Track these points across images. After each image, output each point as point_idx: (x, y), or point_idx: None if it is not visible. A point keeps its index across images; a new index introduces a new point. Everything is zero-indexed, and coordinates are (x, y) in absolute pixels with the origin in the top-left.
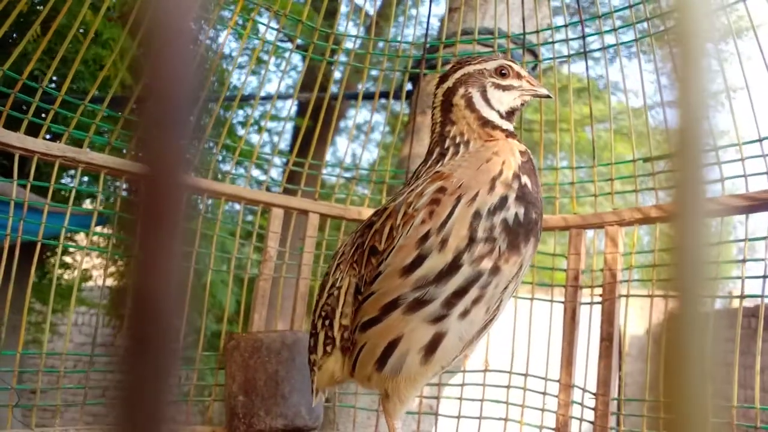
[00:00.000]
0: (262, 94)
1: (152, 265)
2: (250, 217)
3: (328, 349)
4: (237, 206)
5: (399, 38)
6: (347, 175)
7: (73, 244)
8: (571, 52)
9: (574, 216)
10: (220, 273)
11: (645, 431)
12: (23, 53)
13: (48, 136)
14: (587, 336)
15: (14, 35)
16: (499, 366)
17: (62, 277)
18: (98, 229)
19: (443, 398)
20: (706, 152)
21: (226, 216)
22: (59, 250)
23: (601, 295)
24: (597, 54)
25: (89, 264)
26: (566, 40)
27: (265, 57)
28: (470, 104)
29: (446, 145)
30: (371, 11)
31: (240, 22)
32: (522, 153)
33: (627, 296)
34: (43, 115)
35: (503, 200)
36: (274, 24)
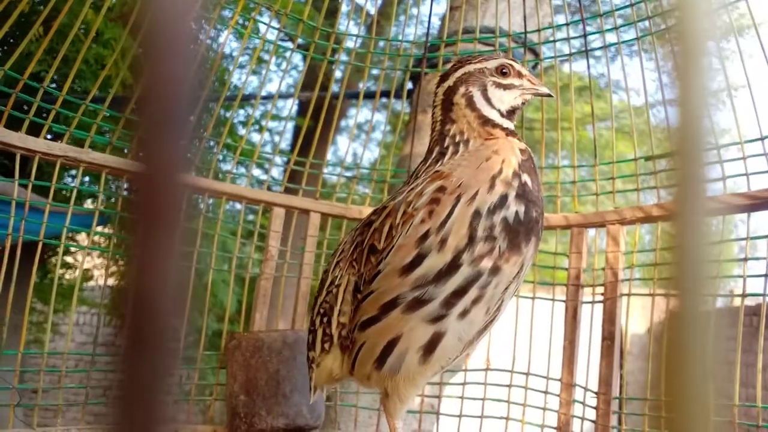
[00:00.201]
0: (263, 93)
1: (151, 264)
2: (251, 217)
3: (326, 346)
4: (238, 206)
5: (400, 37)
6: (348, 174)
7: (75, 243)
8: (573, 50)
9: (575, 215)
10: (222, 272)
11: (646, 430)
12: (25, 53)
13: (49, 136)
14: (589, 335)
15: (16, 33)
16: (501, 365)
17: (63, 277)
18: (99, 228)
19: (445, 397)
20: (707, 151)
21: (227, 215)
22: (60, 250)
23: (602, 294)
24: (598, 52)
25: (90, 264)
26: (567, 39)
27: (266, 56)
28: (471, 103)
29: (446, 144)
30: (372, 10)
31: (241, 21)
32: (522, 151)
33: (628, 295)
34: (45, 115)
35: (503, 199)
36: (275, 23)
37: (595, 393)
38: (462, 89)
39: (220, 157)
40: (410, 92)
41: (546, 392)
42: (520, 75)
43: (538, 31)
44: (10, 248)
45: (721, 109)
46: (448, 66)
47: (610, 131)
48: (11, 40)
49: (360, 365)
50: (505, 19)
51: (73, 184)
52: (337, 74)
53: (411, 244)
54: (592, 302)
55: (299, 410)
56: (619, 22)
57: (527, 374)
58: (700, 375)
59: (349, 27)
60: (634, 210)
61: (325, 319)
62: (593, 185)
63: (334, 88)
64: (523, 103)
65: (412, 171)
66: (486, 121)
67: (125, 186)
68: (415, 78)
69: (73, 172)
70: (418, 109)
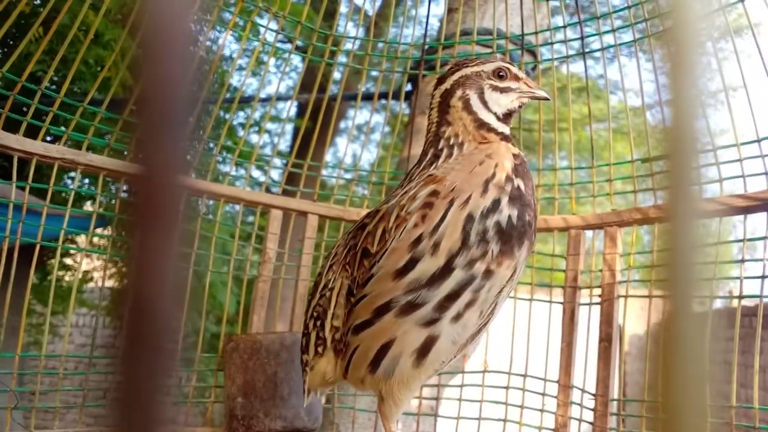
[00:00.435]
0: (262, 95)
1: (149, 266)
2: (250, 218)
3: (320, 349)
4: (237, 207)
5: (398, 39)
6: (347, 176)
7: (73, 246)
8: (571, 52)
9: (573, 216)
10: (220, 274)
11: (645, 431)
12: (24, 54)
13: (48, 138)
14: (586, 337)
15: (15, 35)
16: (498, 367)
17: (63, 279)
18: (98, 231)
19: (443, 399)
20: (699, 153)
21: (225, 217)
22: (58, 252)
23: (600, 296)
24: (596, 54)
25: (90, 266)
26: (565, 41)
27: (265, 58)
28: (467, 106)
29: (440, 146)
30: (370, 12)
31: (240, 23)
32: (516, 156)
33: (626, 297)
34: (43, 117)
35: (496, 203)
36: (273, 25)
37: (593, 395)
38: (459, 92)
39: (219, 159)
40: (409, 94)
41: (543, 394)
42: (517, 78)
43: (536, 33)
44: (7, 250)
45: (718, 110)
46: (446, 69)
47: (608, 132)
48: (11, 42)
49: (354, 369)
50: (503, 21)
51: (71, 187)
52: (336, 76)
53: (404, 248)
54: (590, 304)
55: (297, 412)
56: (617, 23)
57: (525, 376)
58: (695, 376)
59: (347, 28)
60: (631, 212)
61: (318, 323)
62: (591, 187)
63: (332, 89)
64: (520, 106)
65: (407, 172)
66: (482, 125)
67: (124, 188)
68: (414, 80)
69: (73, 174)
70: (416, 111)
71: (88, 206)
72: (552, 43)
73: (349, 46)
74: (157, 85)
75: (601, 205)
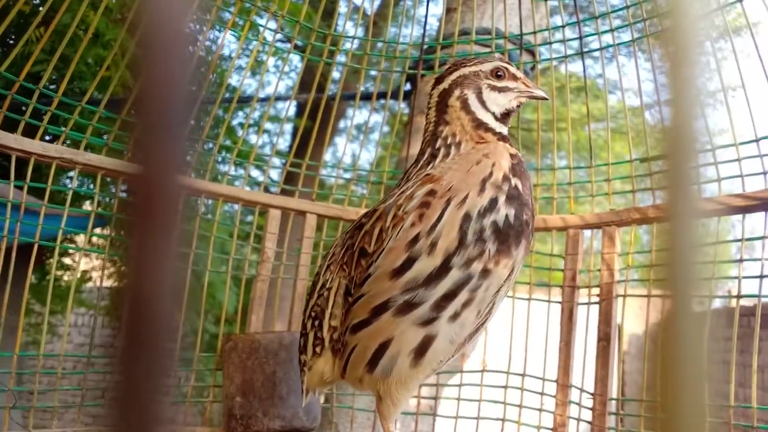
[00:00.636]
0: (261, 95)
1: (148, 265)
2: (249, 218)
3: (318, 349)
4: (235, 207)
5: (397, 39)
6: (346, 175)
7: (72, 245)
8: (569, 52)
9: (572, 216)
10: (219, 274)
11: (643, 431)
12: (24, 53)
13: (46, 138)
14: (585, 336)
15: (13, 35)
16: (497, 366)
17: (62, 279)
18: (97, 230)
19: (441, 399)
20: (697, 153)
21: (224, 217)
22: (56, 252)
23: (598, 295)
24: (595, 54)
25: (89, 265)
26: (564, 41)
27: (264, 58)
28: (465, 106)
29: (437, 146)
30: (369, 11)
31: (239, 22)
32: (513, 156)
33: (624, 296)
34: (42, 117)
35: (493, 202)
36: (272, 24)
37: (591, 394)
38: (457, 92)
39: (218, 159)
40: (408, 93)
41: (542, 393)
42: (515, 78)
43: (535, 32)
44: (5, 250)
45: (717, 110)
46: (444, 68)
47: (606, 132)
48: (10, 41)
49: (352, 368)
50: (502, 21)
51: (69, 186)
52: (335, 75)
53: (401, 248)
54: (588, 303)
55: (296, 412)
56: (616, 23)
57: (523, 375)
58: (694, 376)
59: (346, 28)
60: (630, 211)
61: (316, 323)
62: (590, 186)
63: (331, 88)
64: (518, 106)
65: (405, 171)
66: (479, 125)
67: (122, 187)
68: (413, 79)
69: (71, 174)
70: (415, 111)
71: (86, 206)
72: (551, 43)
73: (348, 45)
74: (155, 85)
75: (600, 205)
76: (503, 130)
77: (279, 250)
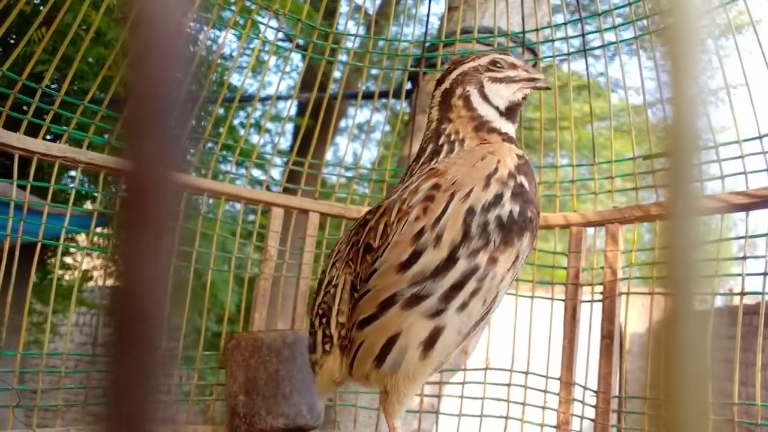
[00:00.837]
0: (262, 94)
1: (139, 262)
2: (251, 217)
3: (327, 347)
4: (237, 206)
5: (399, 37)
6: (348, 174)
7: (74, 244)
8: (571, 50)
9: (574, 214)
10: (221, 273)
11: (646, 429)
12: (26, 53)
13: (48, 137)
14: (588, 334)
15: (14, 35)
16: (500, 364)
17: (63, 278)
18: (98, 229)
19: (444, 396)
20: (699, 151)
21: (226, 215)
22: (59, 251)
23: (601, 293)
24: (597, 52)
25: (90, 265)
26: (566, 38)
27: (265, 57)
28: (468, 104)
29: (440, 142)
30: (371, 10)
31: (240, 21)
32: (519, 156)
33: (627, 294)
34: (44, 116)
35: (498, 197)
36: (273, 23)
37: (595, 391)
38: (459, 90)
39: (220, 158)
40: (409, 92)
41: (545, 391)
42: (514, 66)
43: (537, 30)
44: (9, 249)
45: (720, 107)
46: (444, 68)
47: (609, 130)
48: (11, 41)
49: (358, 364)
50: (503, 19)
51: (72, 185)
52: (336, 74)
53: (407, 241)
54: (592, 301)
55: (299, 410)
56: (618, 21)
57: (526, 373)
58: (696, 374)
59: (347, 27)
60: (632, 209)
61: (324, 320)
62: (592, 184)
63: (333, 87)
64: (523, 98)
65: (408, 167)
66: (482, 124)
67: (114, 184)
68: (414, 78)
69: (72, 173)
70: (417, 109)
71: (88, 205)
72: (553, 41)
73: (349, 44)
74: (148, 81)
75: (603, 203)
76: (509, 129)
77: (282, 249)
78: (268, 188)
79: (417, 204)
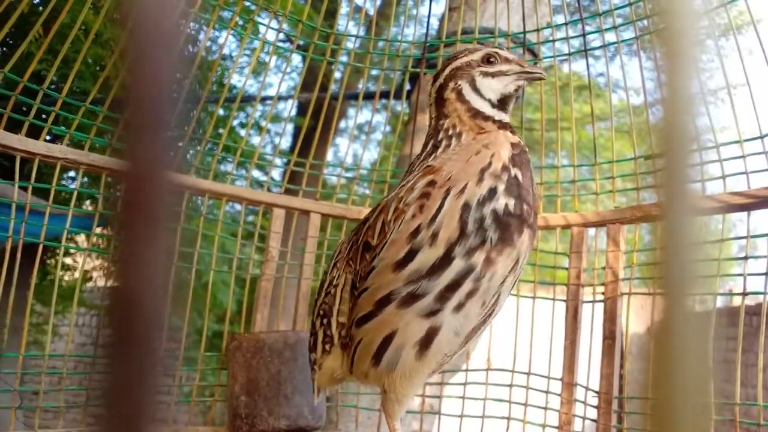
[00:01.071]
0: (263, 95)
1: (135, 263)
2: (250, 218)
3: (327, 347)
4: (237, 207)
5: (399, 38)
6: (348, 175)
7: (74, 245)
8: (572, 50)
9: (575, 214)
10: (221, 273)
11: (647, 429)
12: (25, 54)
13: (48, 138)
14: (589, 334)
15: (14, 35)
16: (502, 365)
17: (63, 279)
18: (98, 230)
19: (445, 397)
20: (693, 152)
21: (226, 216)
22: (61, 252)
23: (603, 293)
24: (597, 52)
25: (89, 265)
26: (567, 38)
27: (266, 58)
28: (460, 96)
29: (440, 138)
30: (371, 11)
31: (240, 22)
32: (514, 145)
33: (629, 294)
34: (44, 117)
35: (492, 191)
36: (274, 24)
37: (597, 392)
38: (451, 84)
39: (220, 159)
40: (409, 93)
41: (547, 392)
42: (507, 60)
43: (537, 30)
44: (10, 250)
45: (720, 107)
46: (439, 65)
47: (609, 131)
48: (10, 42)
49: (358, 362)
50: (503, 20)
51: (72, 186)
52: (337, 75)
53: (403, 239)
54: (593, 301)
55: (301, 411)
56: (618, 21)
57: (528, 374)
58: (691, 374)
59: (348, 27)
60: (633, 209)
61: (324, 321)
62: (593, 185)
63: (333, 88)
64: (516, 89)
65: (410, 163)
66: (476, 114)
67: (113, 185)
68: (414, 79)
69: (71, 174)
70: (417, 110)
71: (87, 206)
72: (553, 41)
73: (350, 45)
74: (144, 82)
75: (603, 203)
76: (503, 117)
77: (283, 250)
78: (269, 189)
79: (413, 202)
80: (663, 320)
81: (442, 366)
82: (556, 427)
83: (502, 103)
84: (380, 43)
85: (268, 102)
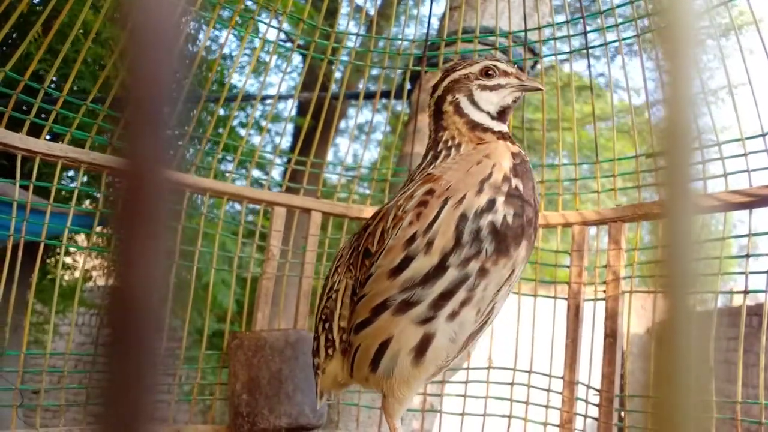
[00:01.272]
0: (263, 94)
1: (133, 261)
2: (250, 217)
3: (330, 351)
4: (238, 206)
5: (400, 37)
6: (349, 174)
7: (74, 244)
8: (573, 49)
9: (576, 213)
10: (222, 272)
11: (649, 427)
12: (24, 54)
13: (49, 137)
14: (591, 333)
15: (14, 35)
16: (503, 363)
17: (63, 278)
18: (98, 229)
19: (447, 396)
20: (693, 151)
21: (227, 215)
22: (61, 251)
23: (604, 292)
24: (598, 52)
25: (89, 264)
26: (567, 37)
27: (266, 57)
28: (458, 109)
29: (439, 149)
30: (372, 10)
31: (240, 21)
32: (515, 155)
33: (630, 293)
34: (44, 116)
35: (491, 203)
36: (274, 23)
37: (598, 390)
38: (449, 97)
39: (220, 158)
40: (410, 93)
41: (549, 390)
42: (506, 74)
43: (538, 29)
44: (11, 249)
45: (722, 106)
46: (437, 77)
47: (610, 131)
48: (10, 41)
49: (357, 368)
50: (504, 19)
51: (73, 185)
52: (337, 75)
53: (399, 247)
54: (594, 300)
55: (302, 409)
56: (620, 20)
57: (530, 372)
58: (692, 372)
59: (349, 26)
60: (634, 208)
61: (326, 325)
62: (594, 183)
63: (333, 88)
64: (513, 101)
65: (412, 171)
66: (475, 126)
67: (113, 184)
68: (415, 78)
69: (71, 173)
70: (417, 110)
71: (86, 205)
72: (554, 40)
73: (350, 44)
74: (143, 81)
75: (604, 202)
76: (502, 127)
77: (284, 248)
78: (269, 189)
79: (411, 209)
80: (664, 319)
81: (442, 370)
82: (558, 426)
83: (500, 115)
84: (381, 43)
85: (269, 101)
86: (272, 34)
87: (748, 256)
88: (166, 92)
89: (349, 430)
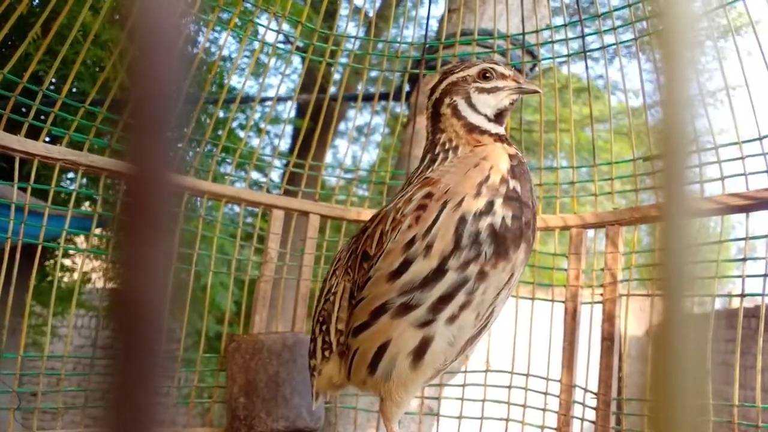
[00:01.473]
0: (262, 96)
1: (138, 265)
2: (249, 219)
3: (326, 354)
4: (236, 209)
5: (398, 39)
6: (347, 176)
7: (73, 246)
8: (571, 51)
9: (573, 216)
10: (220, 275)
11: (646, 431)
12: (23, 55)
13: (47, 139)
14: (588, 336)
15: (13, 37)
16: (501, 366)
17: (62, 280)
18: (97, 231)
19: (444, 399)
20: (690, 154)
21: (225, 218)
22: (60, 253)
23: (601, 295)
24: (596, 54)
25: (88, 267)
26: (566, 40)
27: (265, 59)
28: (456, 112)
29: (437, 151)
30: (371, 12)
31: (239, 23)
32: (512, 157)
33: (627, 296)
34: (43, 118)
35: (489, 205)
36: (273, 25)
37: (595, 394)
38: (447, 100)
39: (219, 160)
40: (408, 94)
41: (546, 393)
42: (503, 76)
43: (536, 32)
44: (9, 251)
45: (719, 108)
46: (435, 79)
47: (608, 133)
48: (9, 43)
49: (355, 371)
50: (502, 21)
51: (71, 187)
52: (336, 77)
53: (398, 250)
54: (592, 303)
55: (299, 412)
56: (618, 23)
57: (527, 375)
58: (688, 375)
59: (347, 29)
60: (632, 211)
61: (324, 327)
62: (592, 186)
63: (332, 90)
64: (510, 104)
65: (410, 173)
66: (472, 128)
67: (113, 186)
68: (414, 80)
69: (70, 175)
70: (416, 112)
71: (85, 207)
72: (552, 42)
73: (349, 46)
74: (143, 84)
75: (602, 205)
76: (499, 130)
77: (282, 251)
78: (267, 191)
79: (410, 213)
80: (661, 322)
81: (440, 373)
82: (555, 429)
83: (498, 117)
84: (379, 45)
85: (268, 103)
86: (271, 36)
87: (745, 259)
88: (166, 94)
89: None
